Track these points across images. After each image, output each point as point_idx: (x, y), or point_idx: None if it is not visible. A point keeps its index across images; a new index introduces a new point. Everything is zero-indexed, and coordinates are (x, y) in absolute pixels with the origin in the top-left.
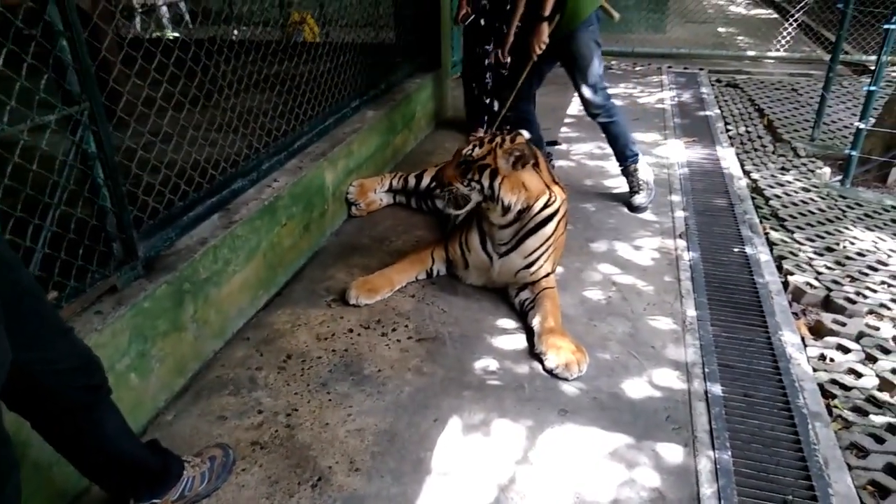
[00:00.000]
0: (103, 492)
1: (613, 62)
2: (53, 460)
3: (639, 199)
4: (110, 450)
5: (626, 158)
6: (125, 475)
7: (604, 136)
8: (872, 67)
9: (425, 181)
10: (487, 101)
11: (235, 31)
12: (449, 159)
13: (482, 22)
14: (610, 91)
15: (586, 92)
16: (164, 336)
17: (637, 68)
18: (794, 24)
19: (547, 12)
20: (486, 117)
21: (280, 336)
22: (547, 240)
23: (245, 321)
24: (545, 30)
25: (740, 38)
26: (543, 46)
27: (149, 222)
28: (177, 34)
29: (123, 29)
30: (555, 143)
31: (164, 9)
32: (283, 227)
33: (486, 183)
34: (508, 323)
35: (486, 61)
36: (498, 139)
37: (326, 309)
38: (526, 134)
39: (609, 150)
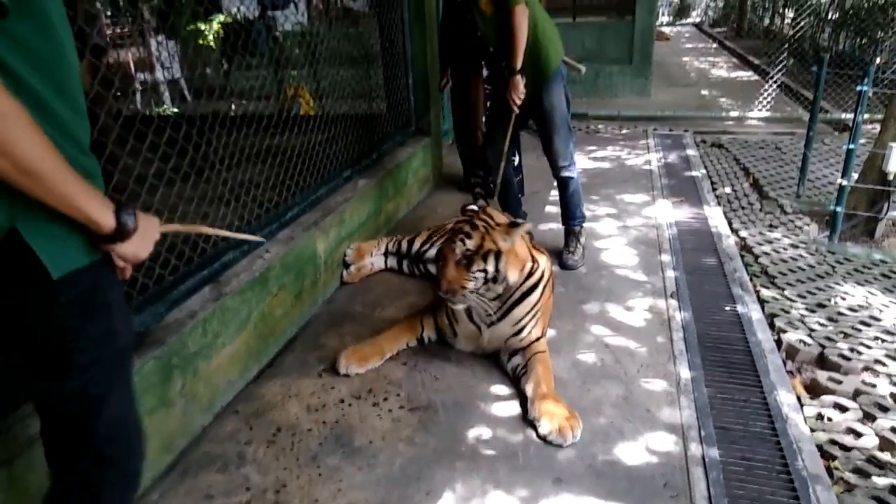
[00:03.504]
0: None
1: (600, 126)
2: None
3: (574, 258)
4: None
5: (576, 218)
6: None
7: (563, 196)
8: (851, 126)
9: (416, 245)
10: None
11: (233, 107)
12: (445, 255)
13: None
14: (597, 154)
15: (559, 145)
16: (152, 413)
17: (623, 131)
18: (775, 85)
19: (518, 65)
20: (482, 182)
21: (270, 408)
22: (534, 306)
23: (235, 394)
24: (520, 81)
25: (723, 99)
26: (521, 97)
27: (138, 297)
28: (176, 110)
29: (123, 105)
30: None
31: (164, 86)
32: (275, 297)
33: (491, 268)
34: (501, 389)
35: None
36: (477, 223)
37: (317, 379)
38: (477, 205)
39: (599, 212)
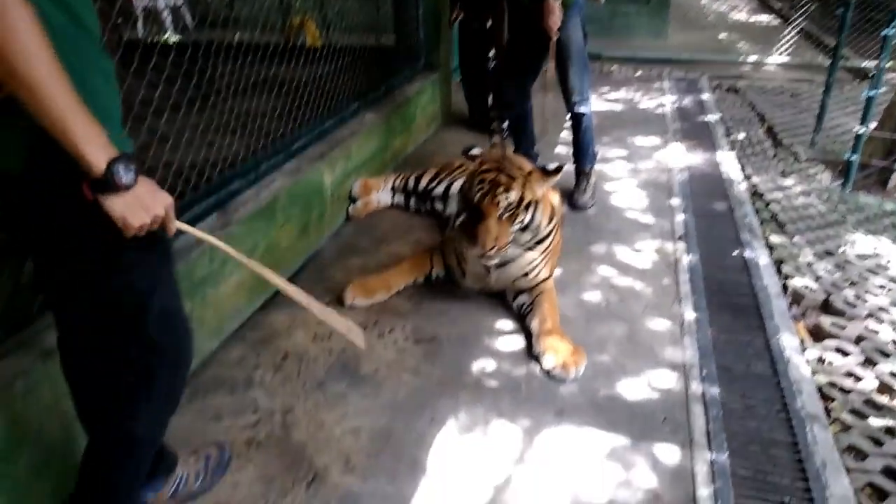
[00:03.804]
0: None
1: (614, 67)
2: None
3: (585, 197)
4: None
5: (588, 157)
6: None
7: (576, 133)
8: (872, 73)
9: (424, 183)
10: (490, 100)
11: (237, 35)
12: (482, 217)
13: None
14: (610, 96)
15: (574, 79)
16: None
17: (638, 74)
18: (796, 31)
19: None
20: (499, 121)
21: (277, 336)
22: (546, 249)
23: (242, 321)
24: (556, 6)
25: (741, 43)
26: (559, 22)
27: None
28: (178, 38)
29: (123, 32)
30: None
31: (166, 12)
32: (281, 227)
33: (528, 218)
34: (506, 324)
35: (488, 62)
36: (513, 171)
37: None
38: (494, 140)
39: (610, 154)
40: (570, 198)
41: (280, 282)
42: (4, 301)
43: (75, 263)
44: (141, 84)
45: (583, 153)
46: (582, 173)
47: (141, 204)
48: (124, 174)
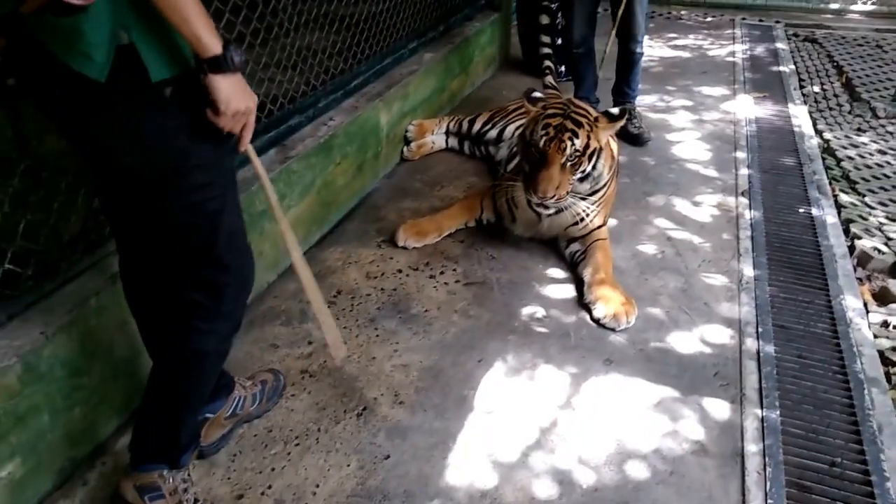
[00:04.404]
0: None
1: (683, 12)
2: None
3: (644, 131)
4: None
5: (636, 93)
6: None
7: (630, 71)
8: None
9: (477, 126)
10: (546, 40)
11: None
12: (544, 163)
13: None
14: (677, 42)
15: (639, 17)
16: None
17: (708, 19)
18: None
19: None
20: (553, 62)
21: (331, 273)
22: (600, 198)
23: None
24: None
25: None
26: None
27: None
28: None
29: None
30: None
31: None
32: (338, 165)
33: (590, 167)
34: (557, 272)
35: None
36: (579, 117)
37: (376, 249)
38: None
39: (675, 104)
40: (627, 137)
41: (298, 254)
42: (82, 222)
43: (152, 180)
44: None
45: (633, 91)
46: (633, 110)
47: (242, 89)
48: (236, 56)
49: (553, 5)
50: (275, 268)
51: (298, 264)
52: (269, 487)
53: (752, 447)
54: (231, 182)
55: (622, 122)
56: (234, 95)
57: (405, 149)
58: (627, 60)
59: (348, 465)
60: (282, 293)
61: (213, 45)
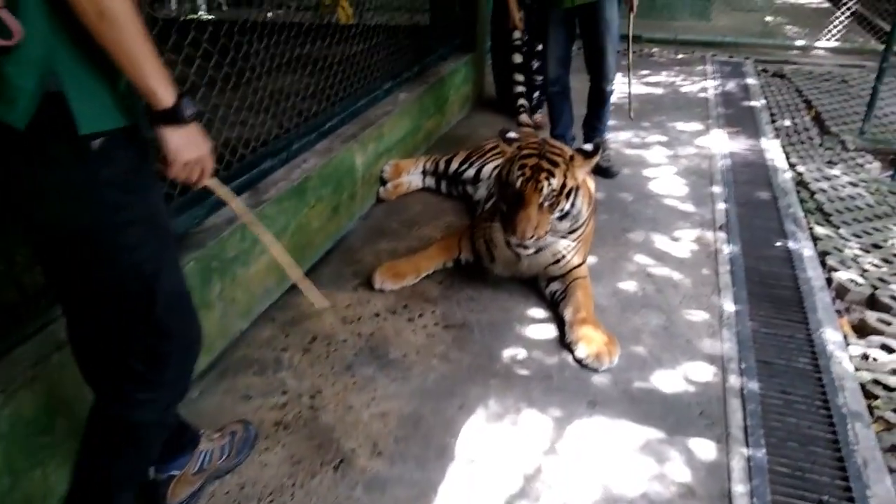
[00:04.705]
0: None
1: (655, 49)
2: None
3: (612, 164)
4: None
5: (606, 129)
6: None
7: (600, 108)
8: None
9: (454, 165)
10: (520, 78)
11: (269, 13)
12: (521, 205)
13: None
14: (650, 79)
15: (609, 59)
16: None
17: (679, 56)
18: (848, 13)
19: None
20: (527, 98)
21: (306, 318)
22: (579, 235)
23: (271, 302)
24: None
25: (789, 26)
26: None
27: (178, 199)
28: (211, 16)
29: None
30: None
31: None
32: (312, 208)
33: (567, 204)
34: (538, 312)
35: (515, 40)
36: (555, 157)
37: (353, 292)
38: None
39: (650, 140)
40: (598, 170)
41: (279, 251)
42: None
43: (75, 239)
44: (176, 60)
45: (603, 127)
46: (602, 143)
47: (194, 140)
48: (189, 108)
49: (524, 46)
50: (248, 315)
51: (283, 259)
52: None
53: (739, 488)
54: (168, 240)
55: (598, 159)
56: (185, 147)
57: (381, 189)
58: (598, 98)
59: None
60: (255, 341)
61: (166, 96)
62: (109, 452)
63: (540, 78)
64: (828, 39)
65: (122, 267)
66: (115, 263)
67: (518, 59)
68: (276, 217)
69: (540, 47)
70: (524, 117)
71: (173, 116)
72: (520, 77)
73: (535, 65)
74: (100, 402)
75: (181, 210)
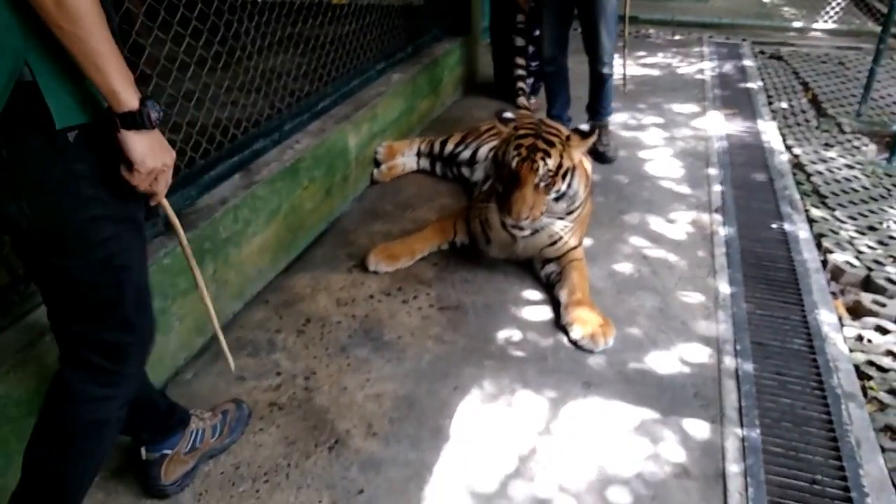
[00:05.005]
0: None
1: (652, 31)
2: None
3: (611, 149)
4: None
5: (609, 112)
6: (138, 412)
7: (600, 91)
8: None
9: (450, 147)
10: (521, 62)
11: None
12: (518, 185)
13: None
14: (647, 61)
15: (605, 40)
16: (184, 294)
17: (676, 38)
18: None
19: None
20: (526, 82)
21: (300, 300)
22: (574, 217)
23: (265, 284)
24: None
25: (786, 8)
26: None
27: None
28: None
29: None
30: None
31: None
32: (305, 189)
33: (565, 186)
34: (533, 294)
35: (519, 22)
36: (551, 137)
37: (347, 274)
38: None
39: (646, 121)
40: (595, 154)
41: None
42: None
43: (47, 232)
44: (167, 38)
45: (604, 110)
46: (604, 127)
47: (158, 146)
48: (154, 112)
49: (526, 27)
50: (240, 296)
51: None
52: None
53: (733, 468)
54: (139, 234)
55: (594, 139)
56: (150, 153)
57: (375, 171)
58: (597, 81)
59: (320, 502)
60: (248, 323)
61: (128, 99)
62: (67, 450)
63: (535, 63)
64: (825, 21)
65: (93, 261)
66: (88, 258)
67: (520, 41)
68: (269, 198)
69: (537, 32)
70: (522, 100)
71: (137, 120)
72: (521, 60)
73: (531, 49)
74: (56, 397)
75: (173, 190)
